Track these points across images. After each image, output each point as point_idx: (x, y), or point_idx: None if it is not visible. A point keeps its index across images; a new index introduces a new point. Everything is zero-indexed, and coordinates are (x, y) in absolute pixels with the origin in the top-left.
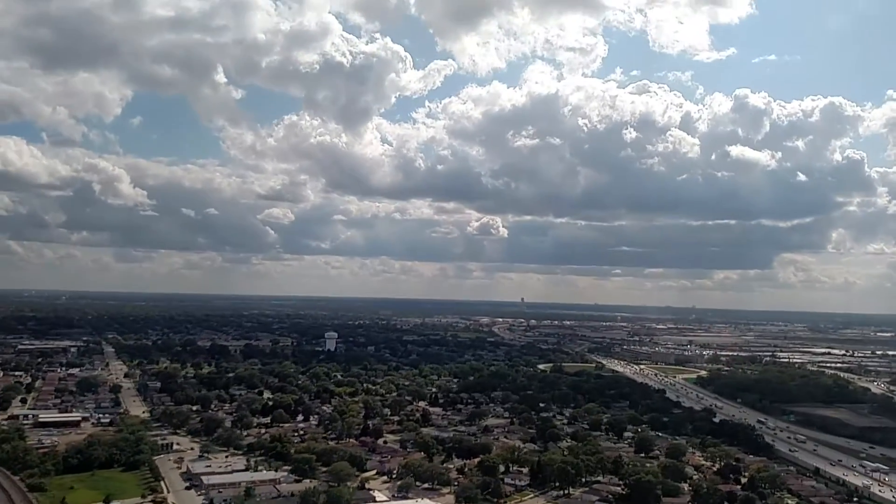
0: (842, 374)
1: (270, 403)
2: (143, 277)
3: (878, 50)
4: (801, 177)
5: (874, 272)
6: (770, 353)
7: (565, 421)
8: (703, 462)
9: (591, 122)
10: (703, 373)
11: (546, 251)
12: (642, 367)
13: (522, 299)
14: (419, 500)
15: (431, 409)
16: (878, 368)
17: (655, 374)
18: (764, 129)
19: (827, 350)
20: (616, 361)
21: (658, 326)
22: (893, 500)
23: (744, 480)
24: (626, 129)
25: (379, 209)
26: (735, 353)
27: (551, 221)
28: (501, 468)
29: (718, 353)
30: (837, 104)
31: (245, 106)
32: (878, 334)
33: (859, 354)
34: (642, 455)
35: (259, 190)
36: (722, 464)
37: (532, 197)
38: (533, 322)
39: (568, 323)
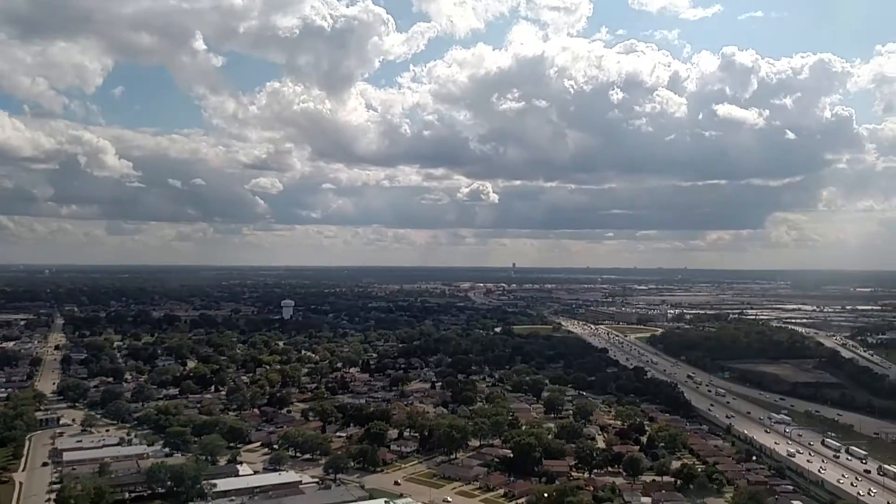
0: (802, 330)
1: (189, 374)
2: (135, 250)
3: (868, 4)
4: (790, 135)
5: (865, 230)
6: (739, 311)
7: (491, 383)
8: (611, 422)
9: (577, 84)
10: (658, 332)
11: (538, 216)
12: (601, 327)
13: (514, 265)
14: (284, 472)
15: (359, 376)
16: (842, 323)
17: (609, 334)
18: (752, 87)
19: (798, 307)
20: (577, 322)
21: (639, 287)
22: (787, 454)
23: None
24: (613, 89)
25: (369, 177)
26: (702, 312)
27: (541, 186)
28: (395, 434)
29: (685, 311)
30: (826, 61)
31: (225, 73)
32: (858, 290)
33: (829, 310)
34: (551, 415)
35: (244, 159)
36: (627, 423)
37: (521, 161)
38: (514, 286)
39: (549, 286)
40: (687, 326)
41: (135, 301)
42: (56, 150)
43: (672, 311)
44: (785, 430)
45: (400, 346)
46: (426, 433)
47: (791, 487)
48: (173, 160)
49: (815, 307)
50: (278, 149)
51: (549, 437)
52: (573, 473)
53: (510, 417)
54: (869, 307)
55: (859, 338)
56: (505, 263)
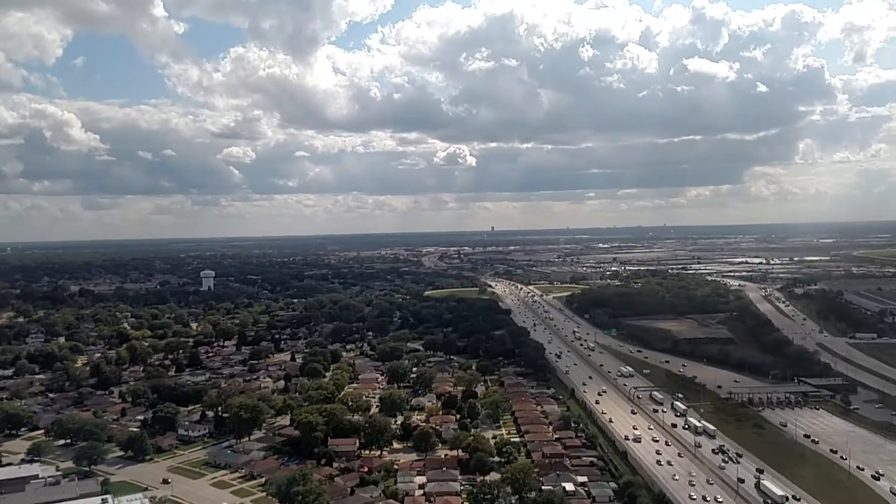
0: (736, 283)
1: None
2: (113, 224)
3: None
4: (762, 87)
5: (844, 181)
6: (683, 266)
7: (359, 352)
8: (451, 389)
9: (547, 42)
10: (579, 290)
11: (518, 178)
12: (531, 287)
13: (492, 228)
14: (29, 464)
15: (225, 350)
16: (780, 275)
17: (531, 295)
18: (723, 40)
19: (745, 259)
20: (508, 283)
21: (602, 246)
22: (609, 421)
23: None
24: (584, 46)
25: (344, 143)
26: (642, 268)
27: (518, 147)
28: (197, 416)
29: (626, 268)
30: (798, 11)
31: (188, 40)
32: (821, 241)
33: (776, 262)
34: (395, 385)
35: (213, 128)
36: (462, 390)
37: (495, 122)
38: (478, 249)
39: (511, 248)
40: (617, 283)
41: (70, 276)
42: (20, 124)
43: (615, 269)
44: (637, 394)
45: (301, 314)
46: (223, 414)
47: (591, 460)
48: (141, 131)
49: (763, 260)
50: (246, 116)
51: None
52: (364, 452)
53: (328, 391)
54: (818, 258)
55: (788, 290)
56: (487, 227)
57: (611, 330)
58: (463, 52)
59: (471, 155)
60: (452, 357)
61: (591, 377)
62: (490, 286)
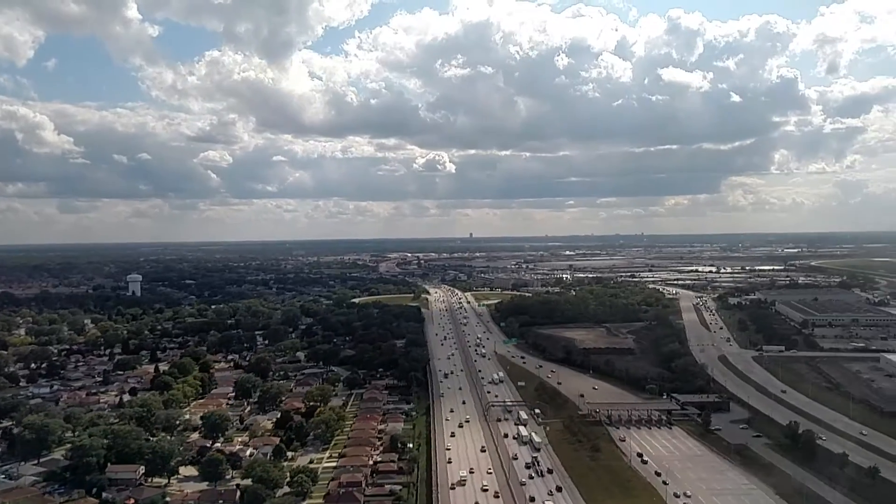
0: (674, 291)
1: None
2: (91, 228)
3: None
4: (735, 97)
5: (821, 192)
6: (631, 274)
7: (232, 364)
8: (299, 405)
9: (522, 50)
10: (509, 298)
11: (498, 185)
12: (467, 294)
13: (471, 234)
14: None
15: (99, 358)
16: (723, 284)
17: (463, 302)
18: (698, 50)
19: (695, 268)
20: (450, 290)
21: (567, 253)
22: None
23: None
24: (559, 55)
25: (324, 149)
26: (591, 275)
27: (496, 155)
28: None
29: (575, 275)
30: (772, 22)
31: (162, 43)
32: (785, 251)
33: (726, 270)
34: (244, 401)
35: (188, 132)
36: (308, 406)
37: (473, 129)
38: (433, 255)
39: (477, 255)
40: (556, 290)
41: (7, 280)
42: None
43: (561, 276)
44: (491, 405)
45: (208, 320)
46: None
47: (392, 488)
48: (115, 134)
49: (714, 268)
50: (222, 120)
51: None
52: (149, 480)
53: (145, 409)
54: (770, 267)
55: (722, 299)
56: (468, 234)
57: (512, 339)
58: (440, 58)
59: (450, 161)
60: (333, 368)
61: (460, 388)
62: (427, 293)
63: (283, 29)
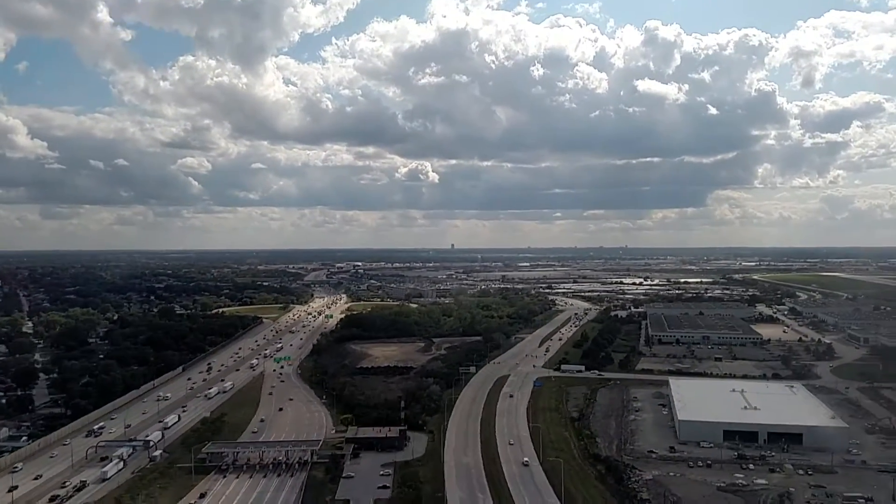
0: (569, 303)
1: None
2: (75, 235)
3: None
4: (713, 110)
5: (808, 206)
6: (548, 285)
7: None
8: None
9: (498, 59)
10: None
11: (482, 196)
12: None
13: (452, 245)
14: None
15: None
16: (627, 296)
17: (324, 311)
18: (675, 62)
19: (620, 280)
20: (335, 299)
21: (521, 265)
22: None
23: None
24: (535, 65)
25: (307, 157)
26: (504, 286)
27: (479, 165)
28: None
29: (491, 286)
30: (750, 35)
31: (134, 47)
32: (743, 264)
33: (654, 282)
34: None
35: (162, 137)
36: None
37: (452, 139)
38: (385, 265)
39: (431, 264)
40: (444, 301)
41: None
42: None
43: (463, 286)
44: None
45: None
46: None
47: None
48: (90, 140)
49: (640, 280)
50: (196, 125)
51: None
52: None
53: None
54: (698, 280)
55: (606, 311)
56: (458, 244)
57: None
58: (417, 66)
59: (433, 171)
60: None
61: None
62: (308, 303)
63: (256, 34)
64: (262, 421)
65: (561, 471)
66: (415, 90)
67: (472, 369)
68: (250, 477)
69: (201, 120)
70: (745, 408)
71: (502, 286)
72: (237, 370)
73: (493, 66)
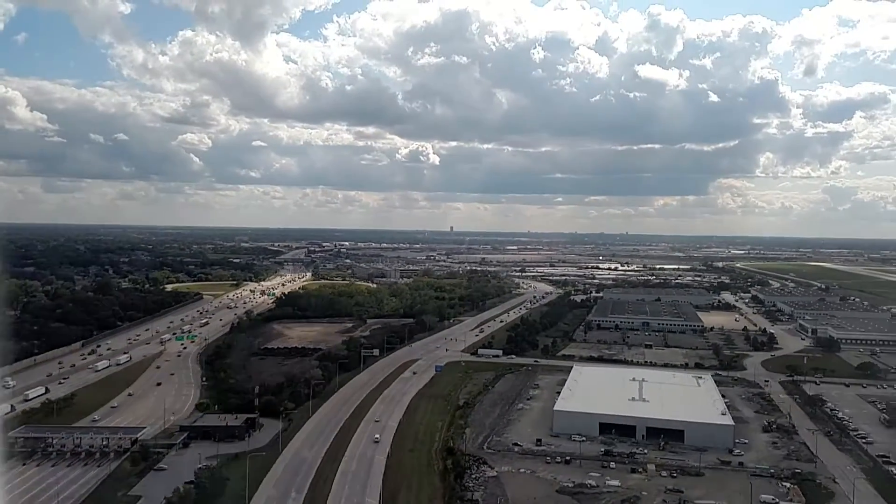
0: (533, 286)
1: None
2: (78, 209)
3: None
4: (714, 97)
5: (810, 197)
6: (522, 269)
7: None
8: None
9: (498, 41)
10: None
11: (483, 179)
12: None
13: (451, 228)
14: None
15: None
16: (595, 281)
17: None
18: (677, 48)
19: (596, 265)
20: (291, 277)
21: (508, 248)
22: None
23: None
24: (536, 48)
25: (308, 136)
26: (480, 268)
27: (479, 148)
28: None
29: (464, 268)
30: (754, 22)
31: (133, 21)
32: (733, 252)
33: (632, 268)
34: None
35: (161, 112)
36: None
37: (452, 121)
38: (373, 244)
39: (418, 246)
40: (394, 281)
41: None
42: None
43: (430, 267)
44: None
45: None
46: None
47: None
48: (91, 113)
49: (619, 265)
50: (195, 101)
51: None
52: None
53: None
54: (675, 267)
55: (567, 295)
56: (458, 227)
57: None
58: (418, 46)
59: (434, 153)
60: None
61: None
62: (261, 280)
63: (256, 10)
64: (113, 407)
65: (403, 468)
66: (415, 70)
67: (375, 352)
68: (53, 465)
69: (200, 96)
70: (633, 399)
71: (478, 268)
72: (148, 343)
73: (493, 47)
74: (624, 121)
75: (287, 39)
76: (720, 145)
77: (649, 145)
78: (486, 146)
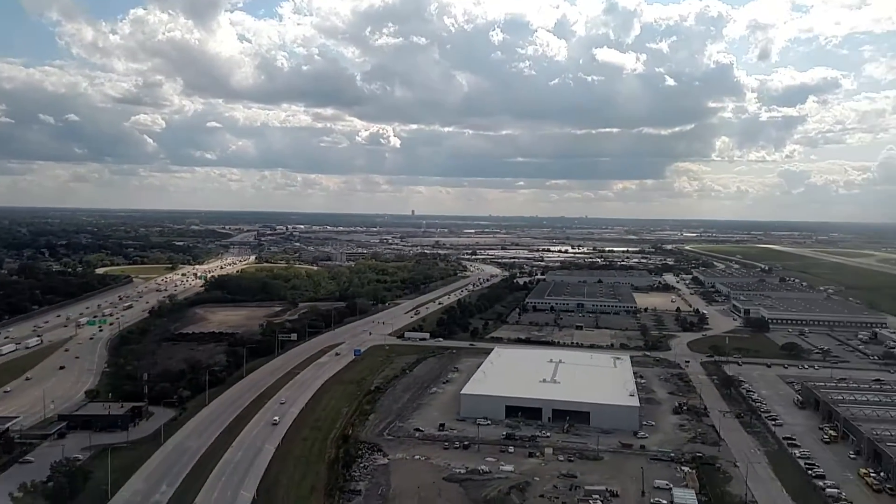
0: (479, 268)
1: None
2: (29, 191)
3: None
4: (670, 81)
5: (765, 181)
6: (473, 251)
7: None
8: None
9: (457, 22)
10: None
11: (444, 163)
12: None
13: (413, 212)
14: None
15: None
16: (541, 264)
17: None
18: (634, 31)
19: (547, 248)
20: (231, 261)
21: (466, 231)
22: None
23: None
24: (494, 30)
25: (265, 117)
26: (430, 251)
27: (440, 131)
28: None
29: (409, 251)
30: (710, 6)
31: None
32: (686, 234)
33: (582, 251)
34: None
35: (112, 92)
36: None
37: (412, 103)
38: (329, 228)
39: (375, 229)
40: (338, 263)
41: None
42: None
43: (382, 252)
44: None
45: None
46: None
47: None
48: (38, 93)
49: (570, 248)
50: (147, 81)
51: None
52: None
53: None
54: (624, 249)
55: (512, 277)
56: (420, 211)
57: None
58: (376, 26)
59: (395, 136)
60: None
61: None
62: (201, 263)
63: None
64: (6, 392)
65: (291, 457)
66: (373, 51)
67: (293, 336)
68: None
69: (153, 75)
70: (544, 381)
71: (429, 251)
72: (65, 326)
73: (452, 28)
74: (583, 104)
75: (241, 18)
76: (677, 129)
77: (608, 129)
78: (446, 129)
